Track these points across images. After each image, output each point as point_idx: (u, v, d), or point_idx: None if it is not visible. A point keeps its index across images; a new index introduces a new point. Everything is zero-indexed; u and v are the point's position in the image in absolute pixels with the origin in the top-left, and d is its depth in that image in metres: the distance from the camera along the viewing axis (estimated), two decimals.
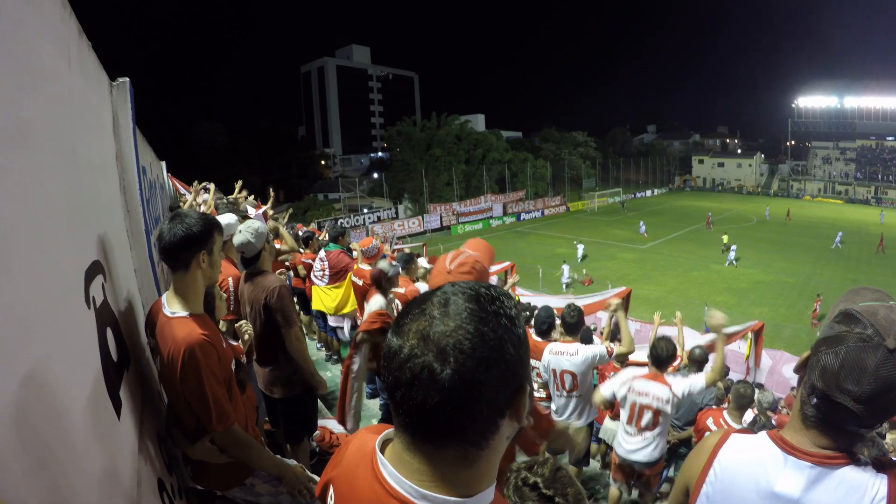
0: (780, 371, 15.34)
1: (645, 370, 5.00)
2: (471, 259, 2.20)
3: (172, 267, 2.38)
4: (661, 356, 4.96)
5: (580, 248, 36.77)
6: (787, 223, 53.45)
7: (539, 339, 5.72)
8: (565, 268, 30.91)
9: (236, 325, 3.34)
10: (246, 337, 3.34)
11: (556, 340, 5.71)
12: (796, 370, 1.57)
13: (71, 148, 1.69)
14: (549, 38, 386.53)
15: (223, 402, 2.32)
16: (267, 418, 4.57)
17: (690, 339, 15.74)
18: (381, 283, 5.56)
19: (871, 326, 1.36)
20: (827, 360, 1.39)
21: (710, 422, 5.60)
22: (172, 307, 2.34)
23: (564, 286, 29.24)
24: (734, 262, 34.17)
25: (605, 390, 5.02)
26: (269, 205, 8.56)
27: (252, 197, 10.86)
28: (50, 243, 1.36)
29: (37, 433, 1.09)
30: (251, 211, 7.19)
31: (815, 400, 1.42)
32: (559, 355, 5.35)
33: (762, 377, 15.04)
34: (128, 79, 2.89)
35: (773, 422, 7.73)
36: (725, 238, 41.29)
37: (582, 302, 15.19)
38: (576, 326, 5.50)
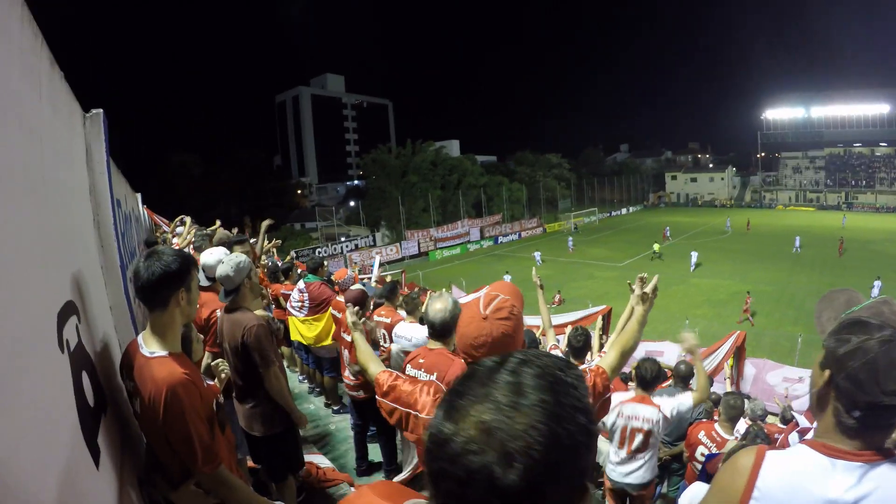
0: (764, 379, 15.43)
1: (631, 393, 4.96)
2: (508, 304, 2.01)
3: (149, 306, 2.30)
4: (647, 377, 4.93)
5: (537, 255, 38.05)
6: (748, 232, 54.86)
7: None
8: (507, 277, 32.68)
9: (212, 363, 3.25)
10: (222, 376, 3.23)
11: None
12: (816, 390, 1.56)
13: (41, 182, 1.62)
14: (521, 62, 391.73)
15: (209, 443, 2.24)
16: (249, 456, 4.44)
17: (675, 356, 15.87)
18: (363, 306, 5.49)
19: (886, 326, 1.40)
20: (862, 372, 1.40)
21: (701, 435, 5.56)
22: (150, 347, 2.25)
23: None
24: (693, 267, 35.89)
25: None
26: (260, 237, 8.42)
27: (222, 228, 10.71)
28: (19, 284, 1.28)
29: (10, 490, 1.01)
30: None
31: (857, 413, 1.42)
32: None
33: (747, 386, 15.12)
34: (101, 110, 2.81)
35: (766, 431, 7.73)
36: (656, 247, 44.46)
37: (562, 320, 15.20)
38: (583, 350, 5.50)
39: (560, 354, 4.70)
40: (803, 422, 5.29)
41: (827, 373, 1.49)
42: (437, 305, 3.23)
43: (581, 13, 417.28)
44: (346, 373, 5.72)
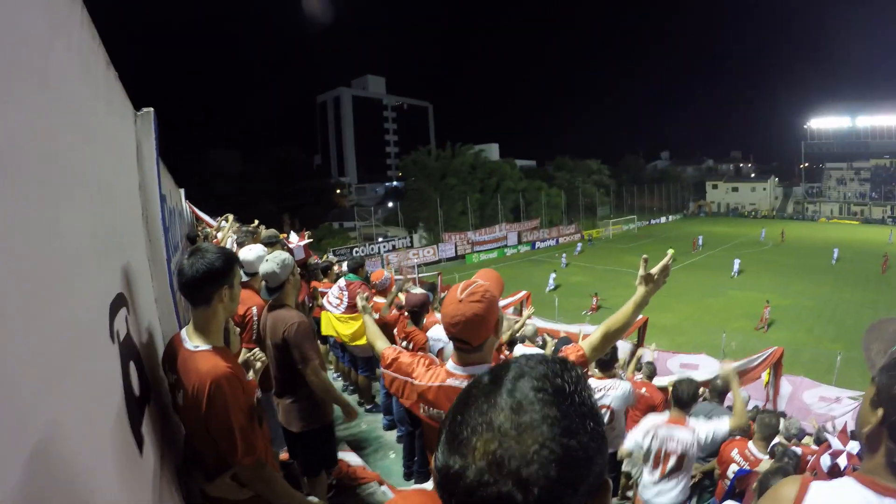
0: (800, 397, 15.01)
1: (667, 415, 4.92)
2: (481, 288, 2.24)
3: (193, 302, 2.36)
4: (683, 398, 4.88)
5: (552, 277, 37.23)
6: (782, 244, 54.30)
7: None
8: (552, 275, 34.96)
9: (248, 355, 3.32)
10: (258, 365, 3.28)
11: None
12: (868, 429, 1.52)
13: (96, 180, 1.68)
14: (562, 66, 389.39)
15: (250, 435, 2.28)
16: (285, 449, 4.50)
17: (710, 369, 15.61)
18: (420, 313, 5.47)
19: None
20: None
21: (734, 453, 5.48)
22: (194, 341, 2.31)
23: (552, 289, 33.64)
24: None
25: (628, 442, 4.94)
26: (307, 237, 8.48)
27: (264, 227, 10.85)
28: (75, 276, 1.34)
29: (63, 469, 1.06)
30: (294, 239, 7.13)
31: None
32: (595, 392, 5.29)
33: (782, 404, 14.76)
34: (152, 109, 2.90)
35: (797, 450, 7.56)
36: (671, 251, 42.74)
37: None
38: (609, 363, 5.48)
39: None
40: (836, 443, 5.15)
41: (880, 411, 1.45)
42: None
43: (623, 19, 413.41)
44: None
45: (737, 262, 40.17)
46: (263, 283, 3.92)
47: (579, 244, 55.36)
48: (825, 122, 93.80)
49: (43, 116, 1.17)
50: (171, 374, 2.33)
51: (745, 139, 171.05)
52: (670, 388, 5.59)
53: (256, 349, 3.21)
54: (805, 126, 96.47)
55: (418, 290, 5.70)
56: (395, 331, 5.63)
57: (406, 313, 5.53)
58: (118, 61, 2.30)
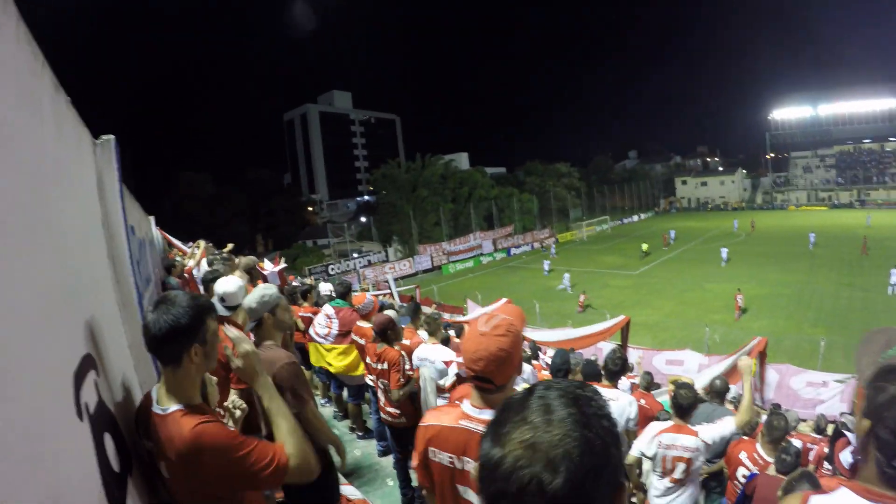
0: (787, 384, 15.13)
1: (669, 423, 4.77)
2: (505, 322, 2.03)
3: (161, 361, 2.06)
4: (683, 405, 4.76)
5: (566, 278, 36.69)
6: (753, 233, 55.43)
7: None
8: (566, 276, 34.91)
9: (225, 403, 3.02)
10: (237, 414, 3.00)
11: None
12: (859, 439, 1.56)
13: (44, 224, 1.41)
14: (526, 72, 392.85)
15: (262, 453, 2.00)
16: (280, 491, 4.22)
17: (695, 363, 15.56)
18: (387, 333, 5.29)
19: None
20: (891, 416, 1.41)
21: (743, 456, 5.36)
22: (164, 403, 2.00)
23: (569, 289, 33.91)
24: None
25: (633, 450, 4.83)
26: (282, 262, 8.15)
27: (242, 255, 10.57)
28: (25, 351, 1.08)
29: None
30: (268, 265, 6.82)
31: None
32: None
33: (770, 392, 14.82)
34: (112, 136, 2.62)
35: (796, 443, 7.47)
36: (644, 246, 47.10)
37: (580, 333, 14.92)
38: (618, 374, 5.32)
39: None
40: (856, 439, 5.00)
41: (867, 422, 1.50)
42: None
43: (582, 22, 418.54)
44: (382, 404, 5.48)
45: (724, 251, 40.77)
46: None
47: (553, 246, 55.51)
48: (788, 113, 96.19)
49: None
50: (147, 441, 2.03)
51: (711, 133, 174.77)
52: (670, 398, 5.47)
53: (234, 397, 2.90)
54: (768, 117, 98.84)
55: (387, 312, 5.49)
56: (367, 354, 5.50)
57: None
58: (73, 85, 2.04)
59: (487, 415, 2.06)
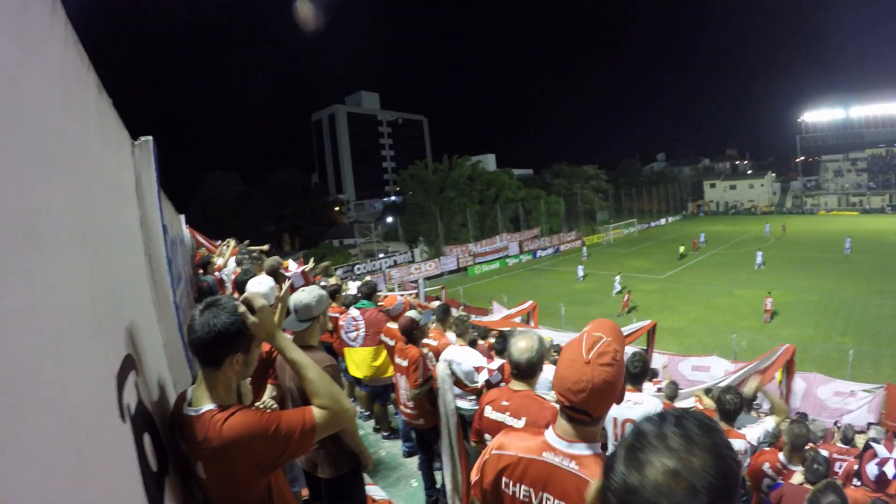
0: (814, 393, 15.02)
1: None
2: (611, 348, 1.84)
3: (201, 362, 2.06)
4: (730, 410, 4.70)
5: (617, 280, 36.38)
6: (784, 237, 54.73)
7: None
8: (617, 278, 34.73)
9: (257, 404, 3.03)
10: None
11: None
12: None
13: (90, 229, 1.42)
14: (555, 74, 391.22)
15: (289, 421, 2.01)
16: (306, 488, 4.23)
17: (721, 369, 15.36)
18: (413, 333, 5.28)
19: None
20: None
21: (766, 466, 5.29)
22: (196, 404, 2.02)
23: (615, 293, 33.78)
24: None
25: None
26: (309, 264, 8.07)
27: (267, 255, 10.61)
28: (73, 354, 1.09)
29: None
30: (292, 266, 6.83)
31: None
32: (623, 403, 5.01)
33: (797, 401, 14.64)
34: (150, 137, 2.65)
35: (824, 453, 7.37)
36: (682, 248, 47.71)
37: None
38: (640, 376, 5.22)
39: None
40: (882, 451, 4.94)
41: None
42: (521, 344, 3.05)
43: (614, 25, 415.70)
44: (403, 401, 5.48)
45: (759, 254, 40.67)
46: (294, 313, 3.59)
47: (584, 249, 55.01)
48: (819, 115, 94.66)
49: (13, 161, 0.91)
50: (181, 442, 2.05)
51: (740, 136, 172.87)
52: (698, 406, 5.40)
53: (267, 399, 2.91)
54: (799, 120, 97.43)
55: (410, 313, 5.47)
56: (395, 352, 5.50)
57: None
58: (111, 86, 2.06)
59: (578, 449, 1.90)
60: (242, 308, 2.06)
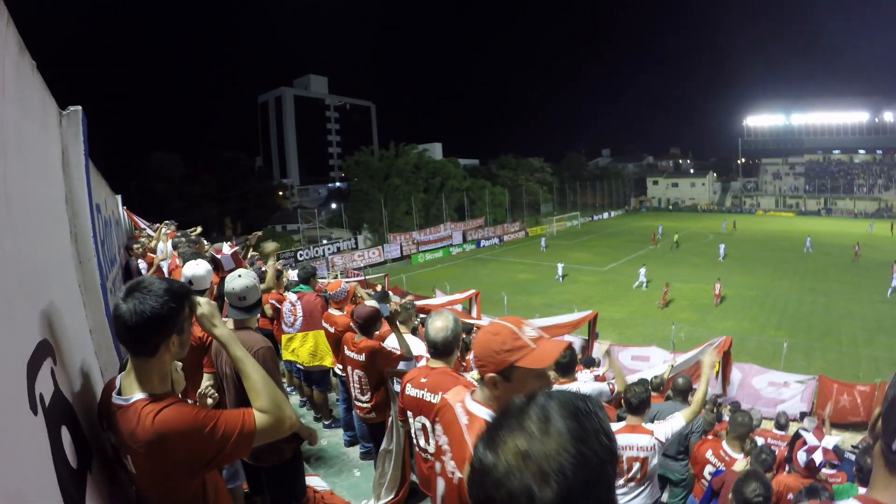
0: (749, 383, 15.56)
1: (622, 424, 4.73)
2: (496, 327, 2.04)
3: (133, 351, 1.90)
4: (634, 403, 4.74)
5: (559, 268, 37.30)
6: (733, 234, 56.61)
7: None
8: (642, 270, 34.19)
9: (198, 392, 2.90)
10: (209, 402, 2.87)
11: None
12: (871, 433, 1.44)
13: (3, 199, 1.28)
14: (504, 66, 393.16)
15: (228, 421, 1.90)
16: (244, 482, 4.11)
17: (661, 359, 15.72)
18: (373, 326, 5.14)
19: None
20: None
21: (709, 454, 5.49)
22: (127, 392, 1.86)
23: (644, 286, 33.31)
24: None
25: None
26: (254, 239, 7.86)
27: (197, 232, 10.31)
28: None
29: None
30: (225, 248, 6.61)
31: None
32: None
33: (733, 391, 15.15)
34: (80, 107, 2.46)
35: (757, 438, 7.62)
36: (676, 237, 49.50)
37: (546, 323, 14.95)
38: (569, 366, 5.22)
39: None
40: (811, 439, 5.10)
41: (876, 413, 1.46)
42: (437, 324, 3.10)
43: (562, 18, 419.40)
44: (355, 394, 5.35)
45: (722, 246, 42.83)
46: (239, 300, 3.45)
47: (542, 239, 54.99)
48: (761, 120, 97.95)
49: None
50: (110, 434, 1.90)
51: (684, 136, 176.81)
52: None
53: (207, 385, 2.77)
54: (742, 123, 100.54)
55: (371, 303, 5.36)
56: (344, 343, 5.33)
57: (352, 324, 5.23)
58: (39, 51, 1.90)
59: (484, 412, 2.06)
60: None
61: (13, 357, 1.23)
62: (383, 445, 4.85)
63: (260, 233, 6.48)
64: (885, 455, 1.38)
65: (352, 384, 5.32)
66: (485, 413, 2.02)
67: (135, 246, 8.49)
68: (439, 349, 3.12)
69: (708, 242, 51.86)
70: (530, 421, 0.92)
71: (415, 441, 3.36)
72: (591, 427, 0.92)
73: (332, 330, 5.83)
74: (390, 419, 4.88)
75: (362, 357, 5.04)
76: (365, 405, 5.24)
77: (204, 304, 2.02)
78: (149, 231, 12.36)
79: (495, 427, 0.96)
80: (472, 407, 2.08)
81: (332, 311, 6.01)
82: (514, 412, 0.97)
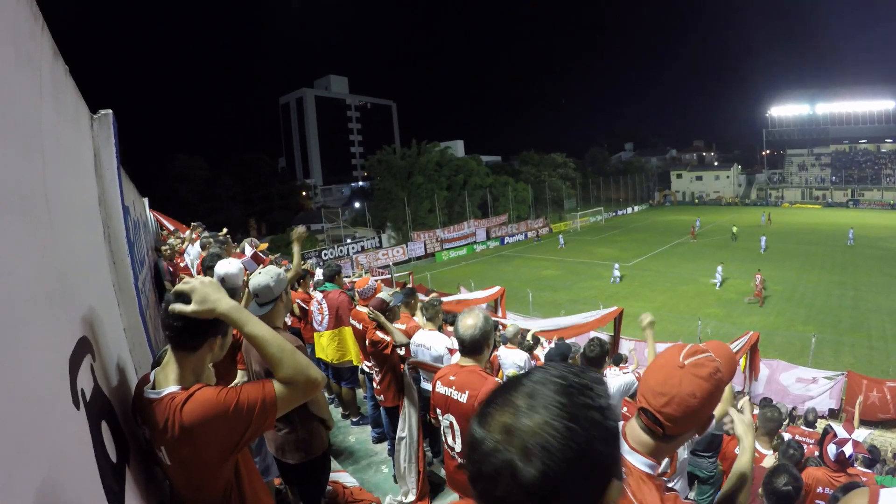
0: (777, 379, 15.37)
1: None
2: (712, 365, 1.66)
3: (178, 347, 1.96)
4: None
5: (615, 268, 35.76)
6: (769, 227, 54.75)
7: None
8: (719, 268, 32.48)
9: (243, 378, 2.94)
10: None
11: None
12: None
13: (42, 200, 1.31)
14: (524, 61, 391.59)
15: (249, 394, 1.91)
16: (278, 475, 4.15)
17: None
18: (383, 314, 5.22)
19: None
20: None
21: (738, 450, 5.34)
22: (161, 385, 1.91)
23: (719, 284, 31.65)
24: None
25: None
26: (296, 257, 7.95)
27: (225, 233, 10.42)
28: (21, 336, 0.98)
29: None
30: (247, 249, 6.66)
31: None
32: None
33: (760, 387, 14.96)
34: (111, 111, 2.51)
35: (785, 434, 7.52)
36: (735, 229, 47.85)
37: (572, 322, 14.89)
38: (598, 360, 5.18)
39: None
40: (841, 432, 5.05)
41: None
42: (467, 322, 3.10)
43: (584, 12, 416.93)
44: (375, 379, 5.44)
45: (763, 239, 41.98)
46: (255, 297, 3.49)
47: (560, 236, 54.72)
48: (785, 110, 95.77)
49: None
50: (144, 428, 1.94)
51: (708, 128, 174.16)
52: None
53: (240, 380, 2.81)
54: (766, 114, 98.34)
55: (382, 294, 5.44)
56: (368, 338, 5.43)
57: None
58: (70, 55, 1.93)
59: (636, 460, 1.68)
60: (178, 307, 1.89)
61: (57, 353, 1.26)
62: (398, 433, 4.93)
63: (303, 228, 6.36)
64: None
65: (375, 374, 5.52)
66: (645, 464, 1.69)
67: (163, 248, 8.61)
68: (467, 346, 3.12)
69: (726, 239, 51.32)
70: (518, 396, 0.91)
71: (443, 438, 3.37)
72: (582, 402, 0.90)
73: (359, 327, 5.88)
74: (404, 407, 4.96)
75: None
76: (377, 387, 5.44)
77: (194, 297, 1.91)
78: (171, 229, 12.51)
79: (487, 402, 0.95)
80: (631, 458, 1.70)
81: (361, 308, 6.05)
82: (506, 388, 0.96)
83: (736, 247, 44.88)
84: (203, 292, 1.88)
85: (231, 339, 2.12)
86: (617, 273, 34.94)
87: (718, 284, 31.79)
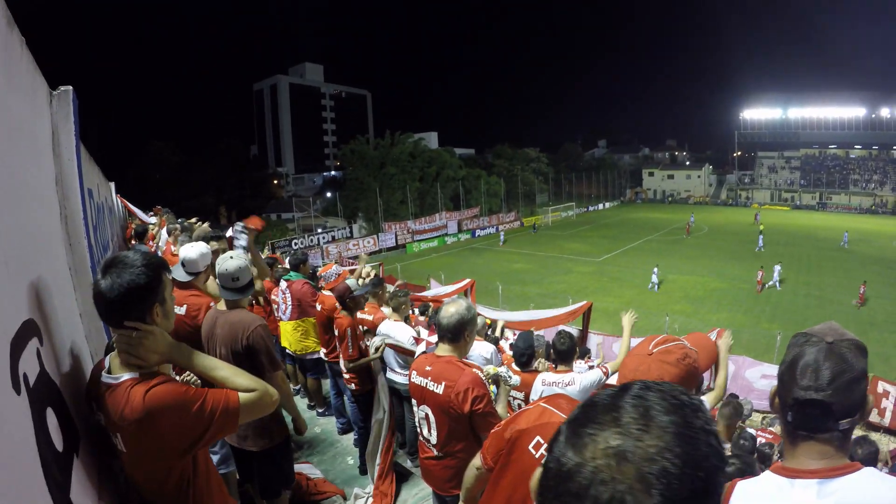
0: (743, 375, 15.60)
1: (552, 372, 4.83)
2: (680, 351, 1.73)
3: (118, 327, 1.87)
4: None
5: (654, 273, 32.87)
6: (755, 226, 54.59)
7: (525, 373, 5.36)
8: (777, 267, 31.54)
9: (180, 378, 2.88)
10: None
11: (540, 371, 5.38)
12: (771, 404, 1.62)
13: None
14: (500, 55, 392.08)
15: (214, 397, 1.90)
16: (234, 468, 4.08)
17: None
18: (346, 301, 5.17)
19: (813, 334, 1.50)
20: (785, 372, 1.50)
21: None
22: (116, 371, 1.85)
23: (777, 283, 30.87)
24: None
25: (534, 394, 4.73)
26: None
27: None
28: None
29: None
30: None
31: (790, 414, 1.48)
32: (553, 386, 4.94)
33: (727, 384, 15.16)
34: (70, 87, 2.41)
35: (751, 431, 7.62)
36: (761, 226, 47.91)
37: (541, 315, 14.93)
38: (568, 353, 5.15)
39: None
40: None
41: (773, 388, 1.59)
42: (450, 309, 3.06)
43: (561, 8, 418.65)
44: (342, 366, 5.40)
45: (761, 237, 42.76)
46: (233, 281, 3.44)
47: (501, 234, 55.10)
48: (758, 113, 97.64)
49: None
50: (100, 414, 1.88)
51: (681, 128, 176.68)
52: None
53: (187, 373, 2.72)
54: (739, 116, 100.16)
55: (350, 281, 5.41)
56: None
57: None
58: (30, 31, 1.85)
59: None
60: (136, 333, 1.85)
61: None
62: (374, 415, 4.91)
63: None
64: (784, 427, 1.52)
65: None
66: None
67: (147, 230, 8.48)
68: (449, 335, 3.08)
69: (703, 234, 51.98)
70: (626, 414, 0.75)
71: (418, 429, 3.33)
72: (700, 425, 0.75)
73: (318, 308, 5.87)
74: (378, 391, 4.94)
75: (338, 332, 5.23)
76: (346, 376, 5.39)
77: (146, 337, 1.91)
78: (144, 218, 12.31)
79: (579, 421, 0.78)
80: None
81: (326, 293, 6.00)
82: (604, 404, 0.79)
83: (731, 245, 45.55)
84: (153, 344, 1.89)
85: (173, 306, 2.06)
86: (655, 279, 32.00)
87: (777, 286, 30.96)
